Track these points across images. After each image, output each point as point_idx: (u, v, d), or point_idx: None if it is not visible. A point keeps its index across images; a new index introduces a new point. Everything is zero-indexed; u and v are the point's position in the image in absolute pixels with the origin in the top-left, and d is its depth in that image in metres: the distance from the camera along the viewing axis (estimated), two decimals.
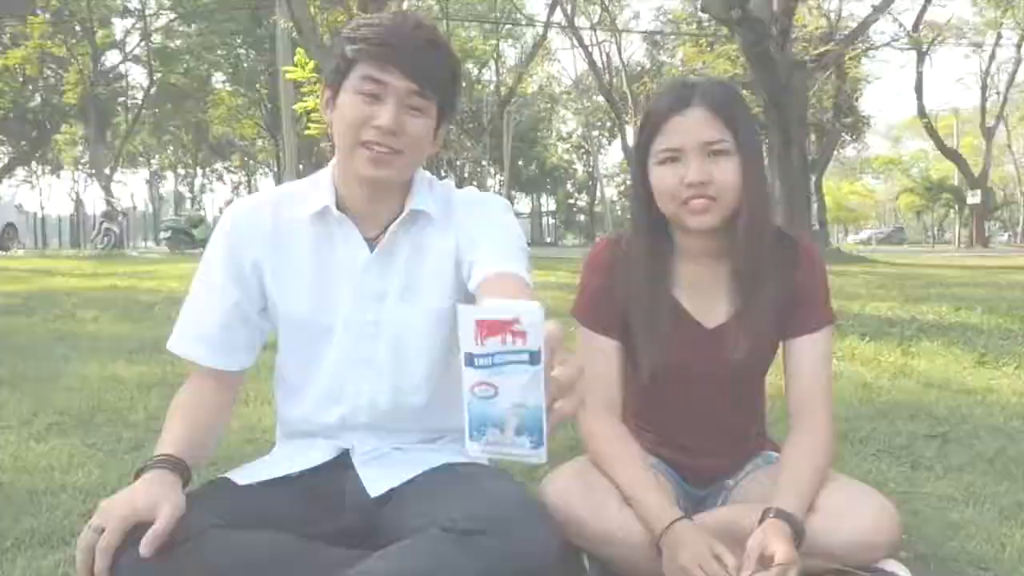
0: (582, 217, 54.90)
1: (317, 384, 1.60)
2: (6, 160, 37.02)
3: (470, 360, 0.90)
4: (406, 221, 1.56)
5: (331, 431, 1.60)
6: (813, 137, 26.99)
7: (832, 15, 25.15)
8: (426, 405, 1.59)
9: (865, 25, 20.53)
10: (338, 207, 1.57)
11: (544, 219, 50.61)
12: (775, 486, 1.55)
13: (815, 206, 19.73)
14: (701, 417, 1.76)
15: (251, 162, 48.56)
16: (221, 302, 1.57)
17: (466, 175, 41.37)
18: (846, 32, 22.01)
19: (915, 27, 26.50)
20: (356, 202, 1.57)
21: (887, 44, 26.06)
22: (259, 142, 44.50)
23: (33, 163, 43.10)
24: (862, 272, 11.78)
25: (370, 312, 1.55)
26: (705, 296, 1.71)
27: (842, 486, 1.58)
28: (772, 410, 1.91)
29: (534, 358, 0.89)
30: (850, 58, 23.77)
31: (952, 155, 35.19)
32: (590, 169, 52.56)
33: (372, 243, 1.56)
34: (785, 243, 1.69)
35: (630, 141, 30.97)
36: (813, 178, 21.22)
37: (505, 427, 0.90)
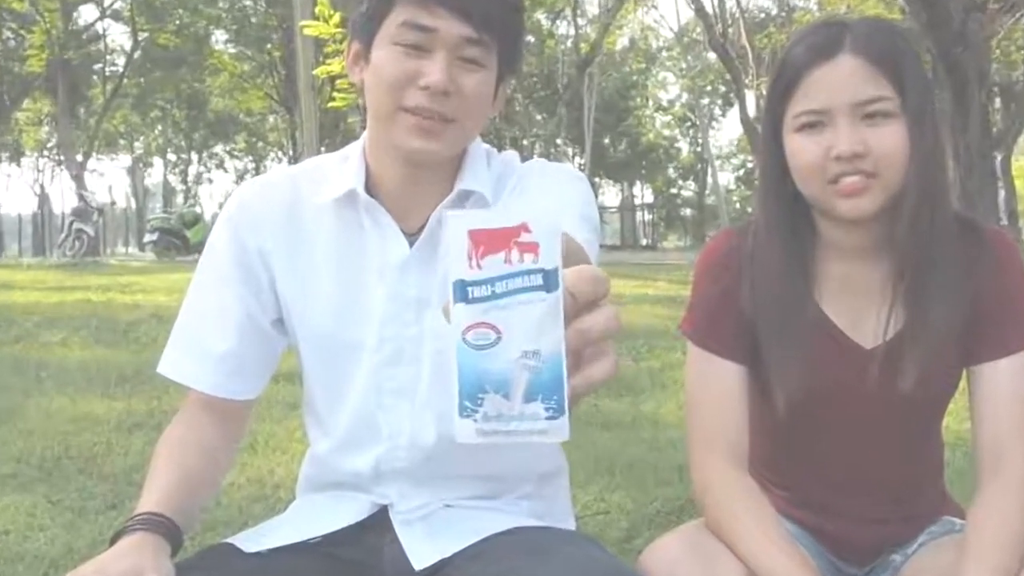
0: (688, 212, 54.34)
1: (345, 419, 1.60)
2: None
3: (462, 291, 0.81)
4: (453, 205, 1.56)
5: (364, 482, 1.60)
6: (998, 103, 26.41)
7: None
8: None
9: None
10: (370, 191, 1.57)
11: (638, 215, 49.84)
12: (960, 559, 1.49)
13: (1001, 193, 19.28)
14: (855, 469, 1.71)
15: (260, 144, 49.24)
16: (228, 309, 1.58)
17: (535, 156, 41.42)
18: None
19: None
20: (393, 184, 1.57)
21: None
22: (270, 118, 45.18)
23: None
24: None
25: (409, 325, 1.56)
26: (861, 306, 1.66)
27: None
28: (951, 461, 1.85)
29: (550, 281, 0.80)
30: None
31: None
32: (698, 148, 52.06)
33: (412, 237, 1.57)
34: (970, 234, 1.62)
35: (751, 110, 30.67)
36: (998, 157, 20.75)
37: (511, 389, 0.80)
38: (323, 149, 18.31)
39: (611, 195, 53.93)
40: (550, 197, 1.55)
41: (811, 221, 1.67)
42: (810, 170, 1.57)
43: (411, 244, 1.56)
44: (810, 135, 1.56)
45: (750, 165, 51.02)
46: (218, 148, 51.15)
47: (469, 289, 0.81)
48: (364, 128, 1.62)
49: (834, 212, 1.58)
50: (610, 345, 0.87)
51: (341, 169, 1.60)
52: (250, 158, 51.11)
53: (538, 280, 0.81)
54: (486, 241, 0.81)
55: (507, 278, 0.81)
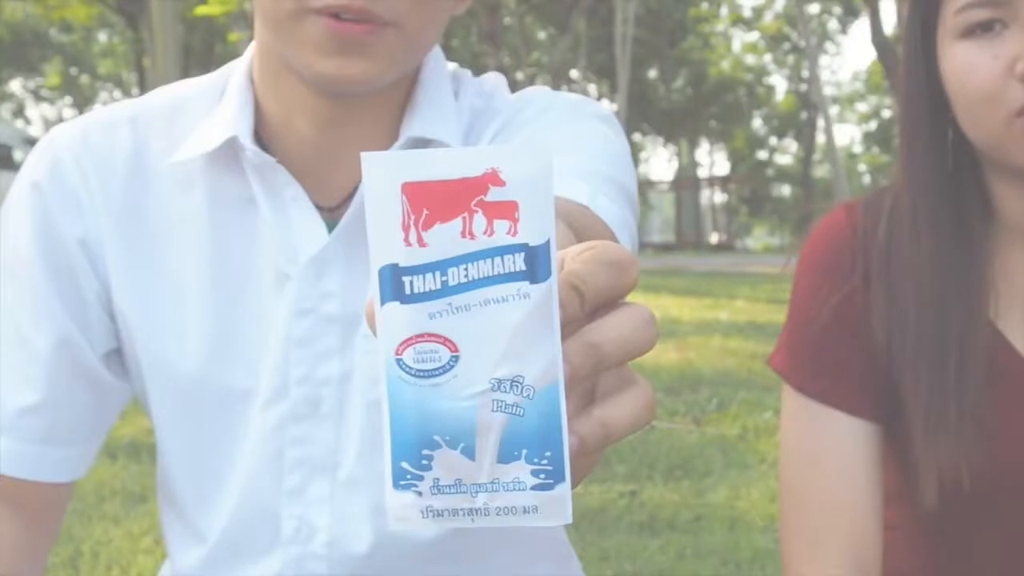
0: (786, 189, 42.71)
1: (225, 513, 1.20)
2: None
3: (395, 284, 0.57)
4: None
5: None
6: None
7: None
8: (441, 537, 1.20)
9: None
10: (262, 142, 1.15)
11: (705, 194, 37.89)
12: None
13: None
14: None
15: (86, 78, 37.79)
16: (32, 337, 1.15)
17: None
18: None
19: None
20: (299, 132, 1.15)
21: None
22: (102, 36, 35.00)
23: None
24: None
25: (327, 358, 1.16)
26: None
27: None
28: None
29: (537, 265, 0.56)
30: None
31: None
32: (803, 87, 38.75)
33: (332, 217, 1.16)
34: None
35: (888, 23, 25.26)
36: None
37: (476, 442, 0.56)
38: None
39: (659, 162, 45.32)
40: (554, 135, 1.13)
41: (983, 189, 1.25)
42: (983, 97, 1.15)
43: (330, 228, 1.15)
44: (982, 42, 1.16)
45: (887, 113, 40.39)
46: (14, 84, 36.89)
47: (406, 280, 0.57)
48: (250, 40, 1.21)
49: (1020, 161, 1.16)
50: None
51: (214, 107, 1.18)
52: (68, 100, 38.28)
53: (518, 263, 0.56)
54: (432, 200, 0.56)
55: (467, 261, 0.56)
